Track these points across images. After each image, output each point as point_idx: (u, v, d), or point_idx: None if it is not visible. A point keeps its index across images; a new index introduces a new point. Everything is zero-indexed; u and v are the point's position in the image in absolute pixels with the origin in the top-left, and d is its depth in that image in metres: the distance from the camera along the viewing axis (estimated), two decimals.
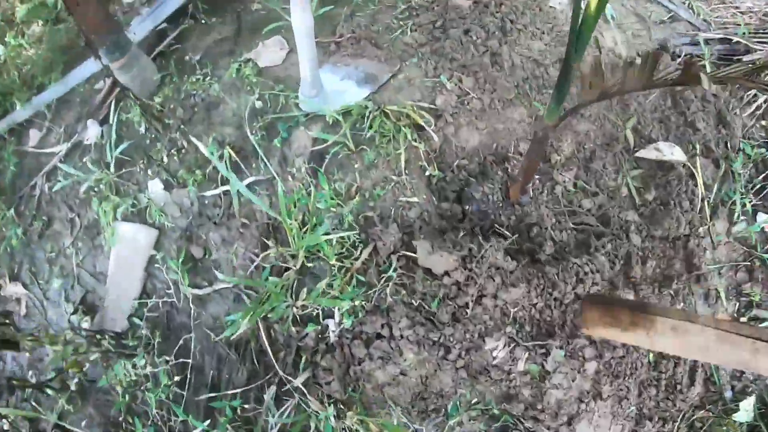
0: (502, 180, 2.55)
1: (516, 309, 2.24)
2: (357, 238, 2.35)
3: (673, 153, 2.53)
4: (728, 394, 2.56)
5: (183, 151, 2.74)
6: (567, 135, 2.68)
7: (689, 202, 2.55)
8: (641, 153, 2.57)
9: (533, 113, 2.71)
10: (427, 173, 2.56)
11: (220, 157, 2.59)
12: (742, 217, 2.64)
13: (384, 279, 2.27)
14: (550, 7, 3.10)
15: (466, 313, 2.22)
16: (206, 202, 2.63)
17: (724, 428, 2.42)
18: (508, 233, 2.43)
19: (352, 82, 2.73)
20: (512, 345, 2.23)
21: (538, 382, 2.28)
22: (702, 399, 2.55)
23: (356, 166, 2.50)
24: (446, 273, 2.22)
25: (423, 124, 2.50)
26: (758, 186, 2.70)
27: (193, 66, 2.97)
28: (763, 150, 2.76)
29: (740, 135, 2.75)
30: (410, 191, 2.45)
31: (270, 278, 2.37)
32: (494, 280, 2.20)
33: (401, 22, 2.94)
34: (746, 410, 2.48)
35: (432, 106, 2.64)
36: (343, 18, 2.98)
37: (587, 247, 2.50)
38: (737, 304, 2.61)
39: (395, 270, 2.25)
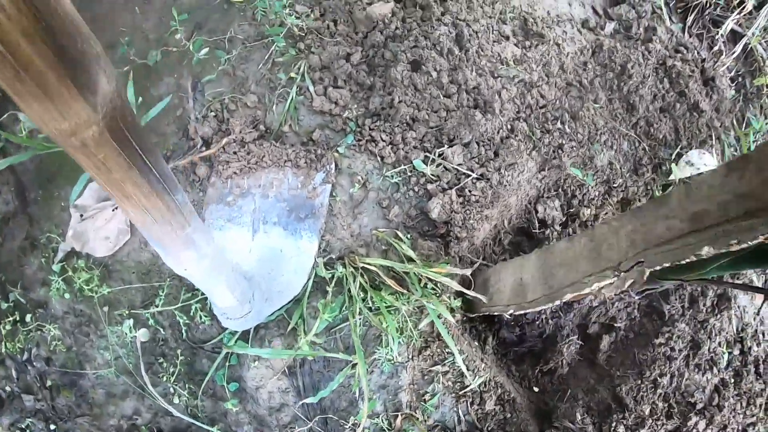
0: None
1: None
2: None
3: (705, 163, 1.97)
4: None
5: None
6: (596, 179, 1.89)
7: None
8: (676, 174, 1.95)
9: (545, 161, 1.81)
10: (470, 327, 1.57)
11: None
12: None
13: None
14: None
15: None
16: None
17: None
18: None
19: (275, 229, 1.41)
20: None
21: None
22: None
23: (385, 380, 1.38)
24: None
25: (445, 279, 1.42)
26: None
27: None
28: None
29: (729, 96, 2.32)
30: (467, 369, 1.45)
31: None
32: None
33: (292, 72, 1.57)
34: None
35: (427, 219, 1.54)
36: (192, 103, 1.48)
37: (664, 296, 1.92)
38: None
39: None
